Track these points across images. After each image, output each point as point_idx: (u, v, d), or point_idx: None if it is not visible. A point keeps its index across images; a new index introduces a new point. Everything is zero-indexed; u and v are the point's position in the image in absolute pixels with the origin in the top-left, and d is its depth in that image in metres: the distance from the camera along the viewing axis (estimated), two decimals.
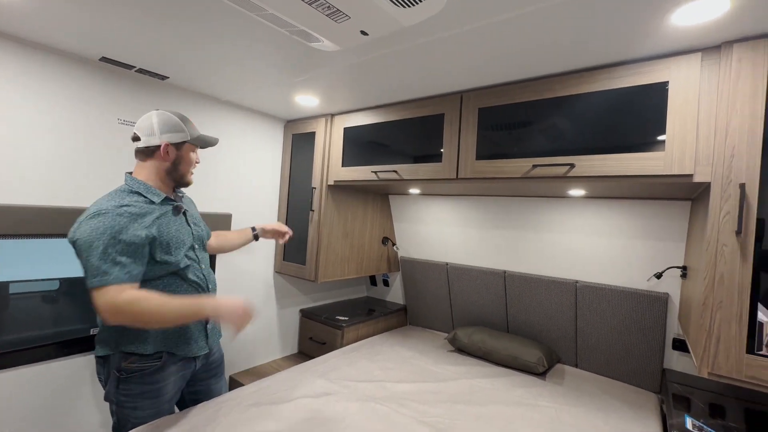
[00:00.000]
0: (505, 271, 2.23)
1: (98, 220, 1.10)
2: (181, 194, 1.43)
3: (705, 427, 1.31)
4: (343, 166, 2.15)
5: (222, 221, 2.09)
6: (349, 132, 2.13)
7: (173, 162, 1.28)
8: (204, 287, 1.36)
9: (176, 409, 1.47)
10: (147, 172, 1.26)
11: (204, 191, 2.03)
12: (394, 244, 2.78)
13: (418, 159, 1.85)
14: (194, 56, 1.50)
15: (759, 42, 1.07)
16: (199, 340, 1.35)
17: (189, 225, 1.36)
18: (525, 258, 2.19)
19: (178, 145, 1.28)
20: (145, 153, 1.26)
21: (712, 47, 1.16)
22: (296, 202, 2.38)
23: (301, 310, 2.58)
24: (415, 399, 1.61)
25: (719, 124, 1.13)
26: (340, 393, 1.61)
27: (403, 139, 1.92)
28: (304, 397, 1.55)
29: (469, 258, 2.42)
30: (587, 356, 2.03)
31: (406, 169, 1.86)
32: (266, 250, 2.40)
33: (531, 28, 1.14)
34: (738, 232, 1.09)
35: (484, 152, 1.62)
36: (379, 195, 2.68)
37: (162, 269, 1.23)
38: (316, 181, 2.25)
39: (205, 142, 1.37)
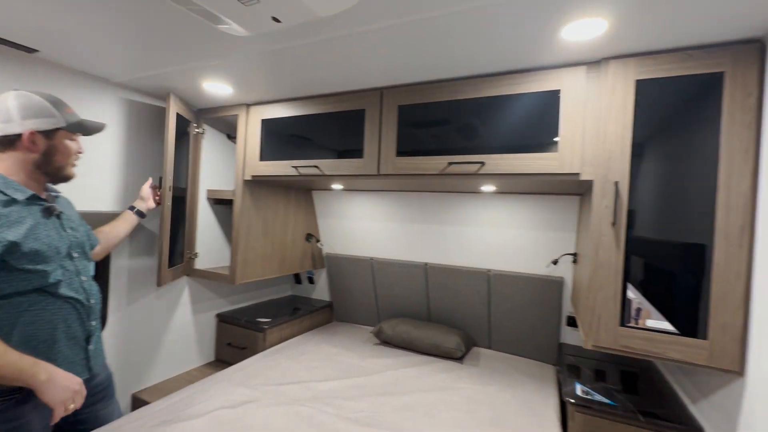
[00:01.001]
0: (426, 264, 2.32)
1: None
2: (54, 193, 1.23)
3: (590, 391, 1.52)
4: (261, 160, 2.03)
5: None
6: (267, 124, 2.01)
7: (44, 153, 1.09)
8: (84, 302, 1.17)
9: None
10: (6, 165, 1.05)
11: (88, 187, 1.75)
12: (318, 241, 2.73)
13: (340, 154, 1.83)
14: (72, 26, 1.27)
15: (629, 60, 1.25)
16: (76, 365, 1.14)
17: (64, 230, 1.16)
18: (444, 250, 2.31)
19: (48, 133, 1.08)
20: (3, 143, 1.05)
21: (595, 62, 1.33)
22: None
23: (218, 315, 2.40)
24: (340, 396, 1.61)
25: (600, 130, 1.30)
26: (261, 399, 1.53)
27: (324, 134, 1.87)
28: (221, 409, 1.44)
29: (392, 252, 2.48)
30: (499, 338, 2.22)
31: (327, 165, 1.83)
32: None
33: (440, 31, 1.19)
34: (613, 223, 1.27)
35: (405, 149, 1.66)
36: (302, 191, 2.60)
37: (25, 283, 1.02)
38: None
39: (86, 129, 1.17)
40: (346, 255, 2.62)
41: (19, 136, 1.04)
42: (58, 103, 1.11)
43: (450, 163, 1.54)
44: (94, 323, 1.22)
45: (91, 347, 1.20)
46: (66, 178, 1.18)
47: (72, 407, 1.04)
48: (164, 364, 2.12)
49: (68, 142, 1.14)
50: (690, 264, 1.17)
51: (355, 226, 2.58)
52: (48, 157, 1.09)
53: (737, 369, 1.10)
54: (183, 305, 2.21)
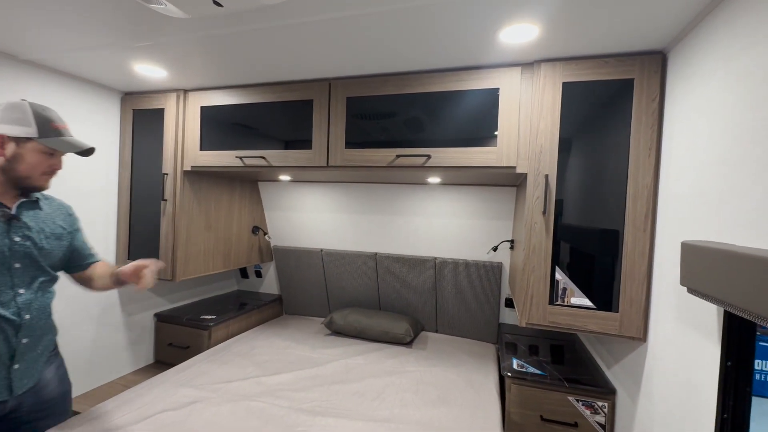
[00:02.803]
0: (376, 254, 2.37)
1: None
2: (33, 198, 1.16)
3: (525, 364, 1.68)
4: (201, 149, 1.93)
5: None
6: (208, 111, 1.91)
7: (9, 159, 1.06)
8: (12, 317, 1.06)
9: None
10: None
11: None
12: (265, 234, 2.66)
13: (288, 145, 1.79)
14: None
15: (557, 63, 1.38)
16: None
17: (9, 237, 1.07)
18: (393, 240, 2.38)
19: (18, 140, 1.05)
20: None
21: (528, 63, 1.44)
22: (142, 190, 2.03)
23: (157, 314, 2.26)
24: (291, 388, 1.61)
25: (533, 127, 1.42)
26: (208, 399, 1.49)
27: (271, 124, 1.82)
28: (164, 412, 1.37)
29: (342, 243, 2.49)
30: (444, 321, 2.35)
31: (275, 156, 1.78)
32: (104, 246, 2.00)
33: (382, 27, 1.21)
34: (544, 212, 1.40)
35: (353, 141, 1.67)
36: (248, 182, 2.51)
37: None
38: (168, 167, 1.95)
39: (62, 147, 1.11)
40: (295, 247, 2.58)
41: None
42: (43, 117, 1.08)
43: (398, 156, 1.58)
44: (25, 341, 1.10)
45: (15, 366, 1.08)
46: (35, 189, 1.13)
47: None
48: (94, 370, 1.95)
49: (39, 155, 1.08)
50: (607, 248, 1.34)
51: (304, 217, 2.55)
52: (12, 163, 1.06)
53: (641, 336, 1.29)
54: (112, 306, 2.04)
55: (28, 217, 1.12)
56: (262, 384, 1.64)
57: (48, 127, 1.09)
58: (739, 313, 0.72)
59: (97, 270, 1.31)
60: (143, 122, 2.02)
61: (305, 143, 1.74)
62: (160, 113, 1.97)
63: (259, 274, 2.87)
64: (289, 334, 2.27)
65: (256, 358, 1.90)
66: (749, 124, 0.81)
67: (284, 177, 2.25)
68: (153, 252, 1.98)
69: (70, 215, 1.27)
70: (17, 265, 1.08)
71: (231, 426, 1.32)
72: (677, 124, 1.17)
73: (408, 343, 2.16)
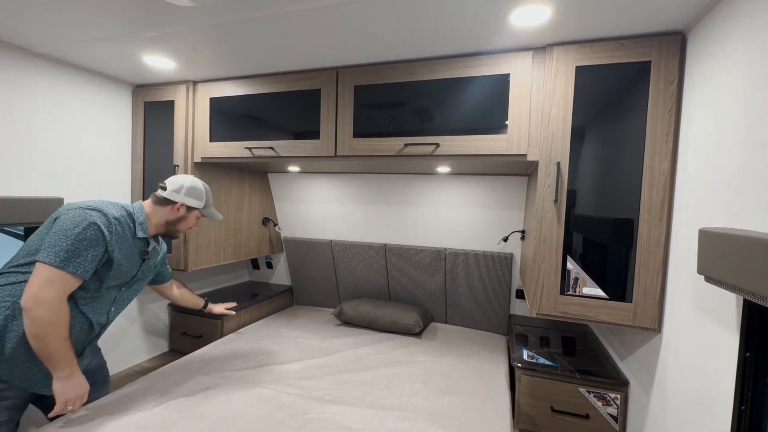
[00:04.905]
0: (385, 245, 2.37)
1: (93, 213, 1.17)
2: (158, 242, 1.46)
3: (535, 355, 1.66)
4: (211, 141, 1.94)
5: (51, 207, 1.68)
6: (217, 103, 1.92)
7: (177, 219, 1.41)
8: (96, 328, 1.31)
9: None
10: (154, 213, 1.37)
11: (22, 169, 1.60)
12: (275, 225, 2.68)
13: (297, 135, 1.79)
14: None
15: (570, 47, 1.33)
16: (41, 384, 1.22)
17: (138, 269, 1.37)
18: (402, 230, 2.37)
19: (189, 208, 1.43)
20: (163, 202, 1.38)
21: (540, 47, 1.40)
22: (154, 181, 2.05)
23: (171, 304, 2.30)
24: (302, 377, 1.63)
25: (544, 113, 1.38)
26: (220, 386, 1.51)
27: (279, 114, 1.82)
28: (177, 398, 1.41)
29: (351, 234, 2.49)
30: (454, 312, 2.34)
31: (283, 146, 1.78)
32: None
33: (391, 12, 1.19)
34: (555, 201, 1.37)
35: (361, 130, 1.66)
36: (257, 173, 2.52)
37: (96, 285, 1.23)
38: (178, 158, 1.98)
39: (211, 216, 1.51)
40: (305, 238, 2.59)
41: (174, 203, 1.38)
42: (207, 194, 1.47)
43: (406, 145, 1.56)
44: (89, 347, 1.36)
45: (84, 361, 1.32)
46: (175, 238, 1.48)
47: (70, 408, 1.18)
48: (111, 358, 2.00)
49: (195, 219, 1.47)
50: (620, 237, 1.30)
51: (314, 209, 2.56)
52: (178, 222, 1.42)
53: (655, 327, 1.26)
54: None
55: (152, 256, 1.43)
56: (273, 372, 1.66)
57: (208, 203, 1.48)
58: (760, 302, 0.69)
59: (175, 288, 1.73)
60: (154, 114, 2.04)
61: (313, 134, 1.74)
62: (170, 105, 1.98)
63: (269, 265, 2.90)
64: (300, 324, 2.29)
65: (267, 347, 1.93)
66: None
67: (293, 168, 2.25)
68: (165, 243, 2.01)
69: (164, 250, 1.58)
70: (124, 290, 1.37)
71: (242, 412, 1.34)
72: (696, 108, 1.12)
73: (417, 334, 2.16)
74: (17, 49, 1.58)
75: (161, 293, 1.69)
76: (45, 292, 1.08)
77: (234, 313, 1.91)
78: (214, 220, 1.49)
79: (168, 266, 1.66)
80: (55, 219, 1.18)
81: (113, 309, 1.36)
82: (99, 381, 1.45)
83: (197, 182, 1.45)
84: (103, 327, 1.36)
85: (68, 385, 1.16)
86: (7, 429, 1.18)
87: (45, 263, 1.09)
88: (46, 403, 1.27)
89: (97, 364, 1.47)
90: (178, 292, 1.73)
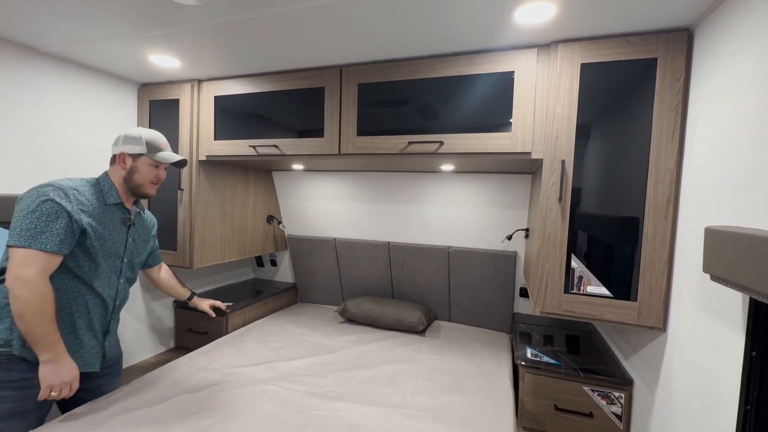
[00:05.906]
0: (389, 242, 2.37)
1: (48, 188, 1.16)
2: (139, 209, 1.45)
3: (539, 353, 1.66)
4: (216, 139, 1.95)
5: None
6: (221, 101, 1.92)
7: (128, 171, 1.34)
8: (111, 304, 1.35)
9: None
10: (113, 177, 1.34)
11: (29, 167, 1.62)
12: (280, 222, 2.69)
13: (300, 133, 1.79)
14: None
15: (575, 44, 1.32)
16: (94, 356, 1.32)
17: (127, 239, 1.37)
18: (406, 229, 2.37)
19: (134, 157, 1.34)
20: (111, 160, 1.35)
21: (545, 45, 1.39)
22: None
23: (176, 301, 2.32)
24: (306, 374, 1.64)
25: (549, 111, 1.37)
26: (226, 382, 1.53)
27: (283, 112, 1.82)
28: (183, 394, 1.42)
29: (355, 232, 2.50)
30: (458, 311, 2.34)
31: (287, 144, 1.79)
32: None
33: (394, 9, 1.19)
34: (560, 199, 1.36)
35: (365, 128, 1.66)
36: (262, 171, 2.53)
37: (78, 268, 1.23)
38: (183, 156, 1.98)
39: (164, 160, 1.37)
40: (309, 236, 2.60)
41: (115, 156, 1.34)
42: (151, 137, 1.36)
43: (410, 143, 1.56)
44: (113, 320, 1.39)
45: (106, 343, 1.36)
46: (144, 195, 1.38)
47: (54, 395, 1.16)
48: None
49: (148, 167, 1.36)
50: (626, 235, 1.30)
51: (318, 206, 2.56)
52: (130, 174, 1.34)
53: (660, 326, 1.25)
54: (134, 295, 2.11)
55: (138, 224, 1.43)
56: (277, 369, 1.67)
57: (154, 146, 1.37)
58: (766, 301, 0.68)
59: (163, 273, 1.69)
60: (159, 113, 2.05)
61: (317, 132, 1.74)
62: (175, 104, 2.00)
63: (274, 263, 2.91)
64: (304, 322, 2.30)
65: (271, 344, 1.94)
66: None
67: (297, 166, 2.26)
68: (171, 240, 2.03)
69: (154, 225, 1.58)
70: (126, 261, 1.38)
71: (247, 408, 1.36)
72: (703, 105, 1.11)
73: (421, 332, 2.16)
74: (25, 49, 1.59)
75: (151, 278, 1.68)
76: (22, 270, 1.09)
77: (214, 315, 1.78)
78: (168, 162, 1.38)
79: (158, 249, 1.65)
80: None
81: (121, 281, 1.38)
82: (114, 372, 1.47)
83: (135, 129, 1.38)
84: (117, 302, 1.38)
85: (53, 370, 1.15)
86: (38, 415, 1.22)
87: (13, 246, 1.11)
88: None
89: (116, 354, 1.49)
90: (165, 279, 1.70)
